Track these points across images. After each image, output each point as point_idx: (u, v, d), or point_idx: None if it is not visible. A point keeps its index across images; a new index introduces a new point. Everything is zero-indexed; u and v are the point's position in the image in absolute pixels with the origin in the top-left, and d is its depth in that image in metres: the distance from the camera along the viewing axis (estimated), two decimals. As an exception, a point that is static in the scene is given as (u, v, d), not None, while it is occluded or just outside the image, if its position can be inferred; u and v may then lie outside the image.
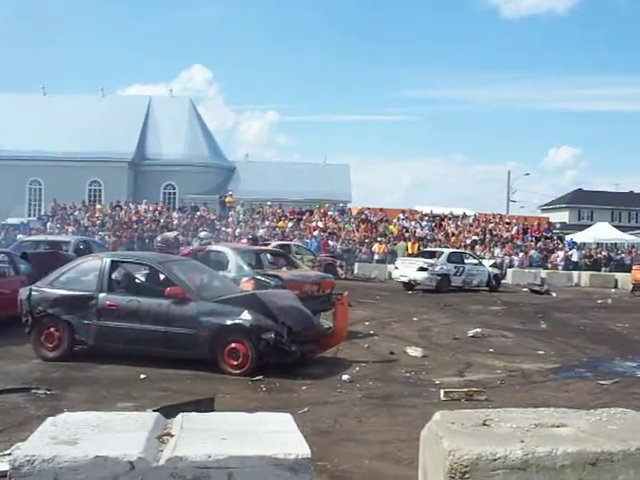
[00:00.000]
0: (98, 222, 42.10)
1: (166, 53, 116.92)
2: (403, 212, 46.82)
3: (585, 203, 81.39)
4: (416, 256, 31.75)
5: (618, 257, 42.00)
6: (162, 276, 11.61)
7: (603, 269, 39.38)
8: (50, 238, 26.27)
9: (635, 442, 3.56)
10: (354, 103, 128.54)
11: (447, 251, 30.69)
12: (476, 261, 30.71)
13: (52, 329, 11.28)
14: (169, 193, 60.84)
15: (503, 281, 34.90)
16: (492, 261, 33.99)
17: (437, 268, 27.94)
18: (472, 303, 23.38)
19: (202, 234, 36.01)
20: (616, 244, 49.10)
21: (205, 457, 3.30)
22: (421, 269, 27.86)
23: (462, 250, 34.69)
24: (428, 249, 34.68)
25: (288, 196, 55.36)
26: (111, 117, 59.68)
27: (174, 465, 3.29)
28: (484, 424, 3.90)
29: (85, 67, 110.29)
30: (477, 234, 42.65)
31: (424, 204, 50.42)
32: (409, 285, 27.99)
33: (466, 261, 29.81)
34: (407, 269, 28.62)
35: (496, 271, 31.29)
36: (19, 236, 36.27)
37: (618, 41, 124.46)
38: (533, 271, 36.17)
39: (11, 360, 11.31)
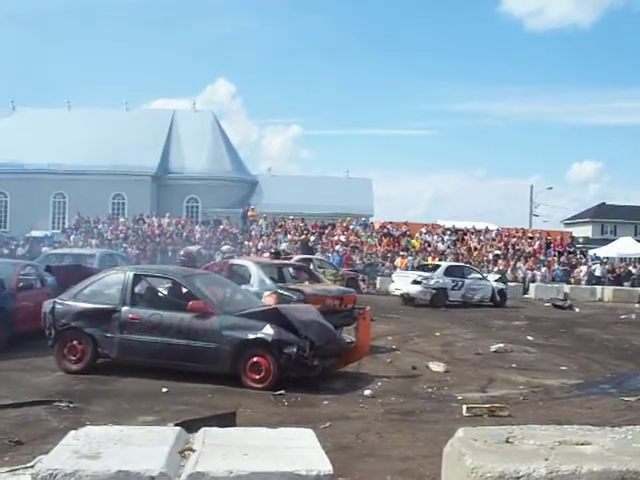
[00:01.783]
0: (121, 235, 42.35)
1: (190, 67, 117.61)
2: (425, 226, 46.73)
3: (608, 217, 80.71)
4: (417, 269, 30.99)
5: (642, 272, 41.65)
6: (185, 290, 11.63)
7: (624, 284, 39.03)
8: (76, 251, 26.55)
9: (661, 461, 3.52)
10: (376, 117, 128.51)
11: (444, 264, 29.90)
12: (479, 275, 29.75)
13: (75, 342, 11.33)
14: (192, 207, 61.04)
15: (526, 296, 34.73)
16: (497, 275, 32.68)
17: (432, 282, 26.99)
18: (495, 318, 23.24)
19: (225, 248, 36.08)
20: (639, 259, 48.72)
21: (227, 473, 3.30)
22: (415, 282, 26.98)
23: (463, 264, 33.86)
24: (429, 262, 33.74)
25: (310, 210, 55.28)
26: (135, 131, 60.06)
27: (196, 480, 3.29)
28: (507, 441, 3.88)
29: (110, 81, 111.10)
30: (499, 248, 42.43)
31: (446, 218, 50.35)
32: (407, 299, 27.09)
33: (467, 275, 28.86)
34: (402, 282, 27.80)
35: (501, 286, 29.84)
36: (44, 249, 36.56)
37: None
38: (556, 286, 35.90)
39: (34, 373, 11.38)
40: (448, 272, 28.13)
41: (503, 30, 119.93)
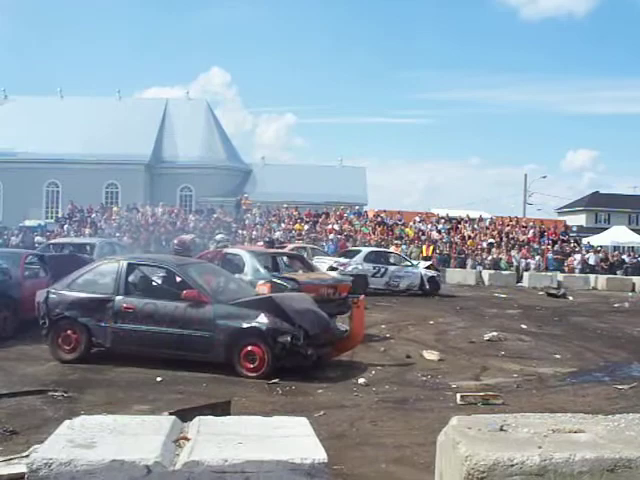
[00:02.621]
0: (115, 224, 42.23)
1: (184, 56, 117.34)
2: (419, 215, 46.76)
3: (602, 206, 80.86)
4: (341, 255, 28.83)
5: (634, 260, 41.76)
6: (179, 279, 11.61)
7: (618, 272, 39.11)
8: (77, 240, 26.82)
9: (654, 448, 3.54)
10: (370, 105, 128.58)
11: (365, 250, 28.54)
12: (407, 262, 28.32)
13: (69, 331, 11.33)
14: (185, 195, 60.98)
15: (519, 284, 34.73)
16: (428, 263, 30.98)
17: (349, 268, 25.27)
18: (488, 306, 23.30)
19: (218, 237, 35.92)
20: (633, 247, 48.85)
21: (222, 461, 3.31)
22: (331, 268, 24.46)
23: (389, 250, 32.67)
24: (355, 248, 31.88)
25: (304, 198, 55.26)
26: (128, 120, 59.91)
27: (190, 469, 3.30)
28: (501, 429, 3.89)
29: (103, 70, 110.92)
30: (493, 237, 42.50)
31: (441, 207, 50.36)
32: None
33: (392, 262, 27.82)
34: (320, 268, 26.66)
35: (432, 273, 28.07)
36: (37, 238, 36.53)
37: (637, 43, 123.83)
38: (550, 274, 35.96)
39: (28, 362, 11.38)
40: (369, 258, 26.96)
41: (498, 18, 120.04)
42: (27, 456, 5.03)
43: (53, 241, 27.39)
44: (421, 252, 37.95)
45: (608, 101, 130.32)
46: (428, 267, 29.06)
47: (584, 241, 47.20)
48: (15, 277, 14.47)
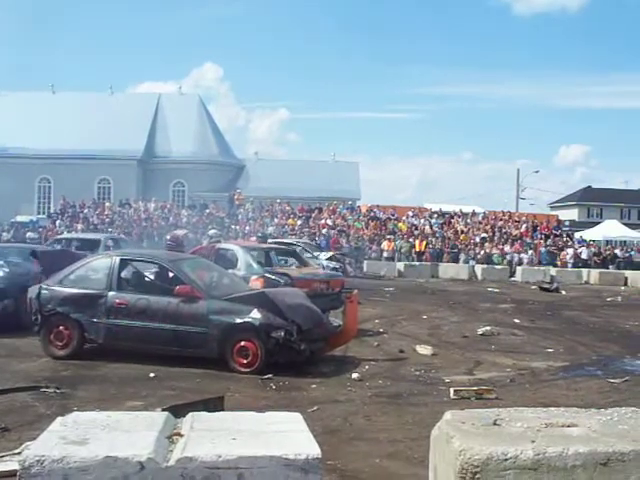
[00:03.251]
0: (107, 220, 42.17)
1: (177, 51, 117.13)
2: (412, 210, 46.79)
3: (595, 200, 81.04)
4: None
5: (627, 254, 41.86)
6: (171, 274, 11.59)
7: (610, 266, 39.18)
8: (82, 236, 27.09)
9: (647, 442, 3.55)
10: (364, 101, 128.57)
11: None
12: (307, 254, 25.62)
13: (61, 327, 11.28)
14: (178, 191, 60.95)
15: (512, 279, 34.75)
16: (330, 254, 29.02)
17: None
18: (481, 301, 23.31)
19: (211, 232, 35.80)
20: (625, 242, 48.96)
21: (215, 457, 3.30)
22: None
23: (286, 241, 29.97)
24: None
25: (297, 194, 55.34)
26: (120, 115, 59.85)
27: (184, 465, 3.29)
28: (495, 424, 3.90)
29: (95, 65, 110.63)
30: (486, 231, 42.52)
31: (433, 202, 50.43)
32: None
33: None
34: None
35: (333, 264, 26.13)
36: (28, 234, 36.50)
37: (630, 38, 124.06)
38: (542, 269, 35.97)
39: (20, 358, 11.34)
40: None
41: (491, 14, 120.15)
42: (19, 453, 5.01)
43: (60, 236, 27.65)
44: (413, 247, 38.04)
45: (600, 96, 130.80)
46: (330, 258, 27.56)
47: (576, 235, 47.30)
48: (32, 272, 14.90)
